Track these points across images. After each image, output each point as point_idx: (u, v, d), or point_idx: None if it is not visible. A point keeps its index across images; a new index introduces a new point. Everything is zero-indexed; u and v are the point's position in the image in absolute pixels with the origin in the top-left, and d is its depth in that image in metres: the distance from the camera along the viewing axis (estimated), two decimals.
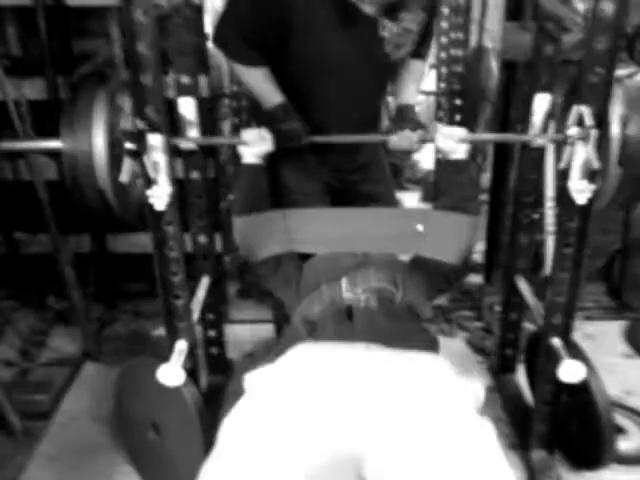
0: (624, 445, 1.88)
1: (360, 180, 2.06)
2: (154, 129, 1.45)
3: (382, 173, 2.14)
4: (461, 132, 1.73)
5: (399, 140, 1.81)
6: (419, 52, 1.92)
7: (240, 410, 1.27)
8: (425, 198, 3.06)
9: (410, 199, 3.18)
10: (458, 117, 2.42)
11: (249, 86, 1.85)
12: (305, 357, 1.34)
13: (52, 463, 1.92)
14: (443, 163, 1.81)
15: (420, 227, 1.79)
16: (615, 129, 1.54)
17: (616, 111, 1.54)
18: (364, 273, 1.62)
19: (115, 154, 1.55)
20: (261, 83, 1.80)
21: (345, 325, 1.45)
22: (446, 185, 1.81)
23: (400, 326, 1.48)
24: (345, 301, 1.53)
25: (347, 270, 1.64)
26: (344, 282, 1.59)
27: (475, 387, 1.30)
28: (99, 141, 1.57)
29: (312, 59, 1.76)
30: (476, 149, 2.74)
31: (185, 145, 1.81)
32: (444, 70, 2.40)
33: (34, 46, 2.41)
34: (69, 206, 1.79)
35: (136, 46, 1.35)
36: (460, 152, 1.74)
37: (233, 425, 1.24)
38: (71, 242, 2.52)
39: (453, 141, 1.72)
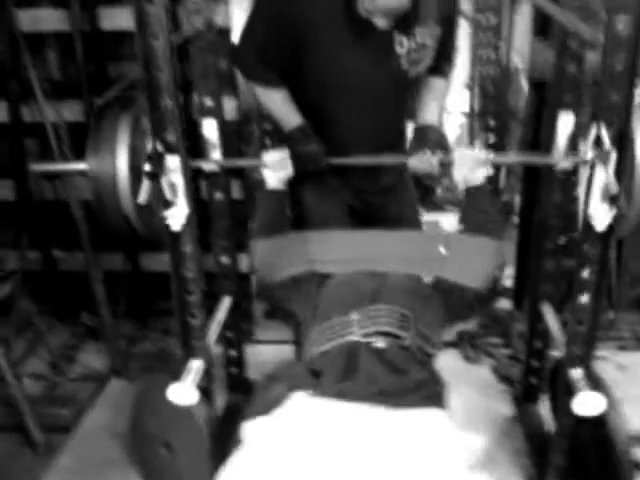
0: None
1: (385, 203, 2.04)
2: (172, 151, 1.48)
3: (408, 196, 2.12)
4: (479, 155, 1.71)
5: (418, 162, 1.79)
6: (439, 68, 1.90)
7: (236, 464, 1.27)
8: None
9: (447, 220, 3.16)
10: (492, 139, 2.39)
11: (268, 108, 1.87)
12: (304, 414, 1.33)
13: (70, 476, 1.96)
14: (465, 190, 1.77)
15: (443, 250, 1.76)
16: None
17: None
18: (376, 310, 1.59)
19: (138, 177, 1.58)
20: (279, 105, 1.82)
21: (346, 382, 1.41)
22: (468, 210, 1.78)
23: (403, 381, 1.44)
24: (353, 342, 1.51)
25: (360, 301, 1.61)
26: (354, 318, 1.57)
27: (469, 441, 1.29)
28: (122, 164, 1.62)
29: (328, 77, 1.76)
30: (509, 171, 2.70)
31: (207, 167, 1.84)
32: (475, 89, 2.39)
33: (72, 70, 2.50)
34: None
35: (152, 70, 1.39)
36: (477, 179, 1.72)
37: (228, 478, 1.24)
38: (104, 260, 2.58)
39: (469, 168, 1.69)
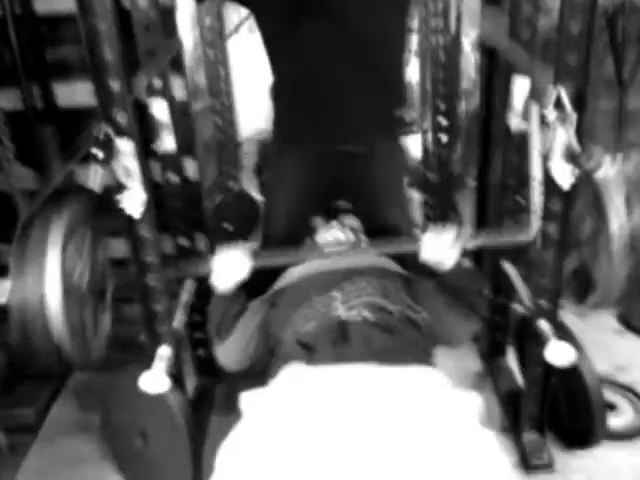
0: (615, 421, 1.88)
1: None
2: (123, 134, 1.41)
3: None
4: (447, 237, 1.59)
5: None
6: None
7: (237, 438, 1.24)
8: None
9: None
10: (443, 121, 2.37)
11: None
12: (301, 381, 1.31)
13: (40, 477, 1.90)
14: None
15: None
16: (614, 221, 1.46)
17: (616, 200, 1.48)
18: (356, 284, 1.58)
19: (71, 299, 1.40)
20: None
21: (340, 348, 1.40)
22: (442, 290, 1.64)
23: (395, 340, 1.45)
24: (339, 316, 1.49)
25: (337, 281, 1.60)
26: (335, 295, 1.55)
27: (472, 398, 1.30)
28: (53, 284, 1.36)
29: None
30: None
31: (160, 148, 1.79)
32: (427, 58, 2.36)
33: (7, 56, 2.34)
34: None
35: (98, 52, 1.31)
36: (450, 259, 1.58)
37: (231, 454, 1.21)
38: None
39: (437, 253, 1.58)
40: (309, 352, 1.41)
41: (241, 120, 2.20)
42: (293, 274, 1.76)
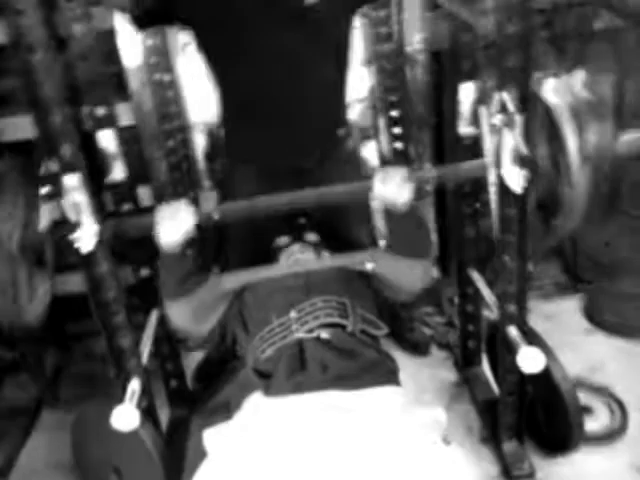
0: (592, 425, 1.89)
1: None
2: (70, 169, 1.37)
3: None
4: (401, 173, 1.55)
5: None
6: None
7: (203, 476, 1.23)
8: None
9: None
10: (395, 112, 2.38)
11: None
12: (263, 416, 1.31)
13: None
14: (388, 211, 1.62)
15: (369, 265, 1.72)
16: (570, 144, 1.40)
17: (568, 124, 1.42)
18: (312, 305, 1.57)
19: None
20: None
21: (297, 376, 1.41)
22: (395, 235, 1.65)
23: (353, 362, 1.45)
24: (297, 340, 1.49)
25: (296, 299, 1.59)
26: (294, 316, 1.55)
27: (435, 414, 1.29)
28: None
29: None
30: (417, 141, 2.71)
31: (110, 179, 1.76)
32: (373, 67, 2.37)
33: None
34: None
35: (35, 85, 1.27)
36: (403, 197, 1.54)
37: None
38: None
39: (393, 186, 1.53)
40: (267, 382, 1.41)
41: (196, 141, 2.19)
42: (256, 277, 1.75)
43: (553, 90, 1.43)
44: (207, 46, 1.89)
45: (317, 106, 1.92)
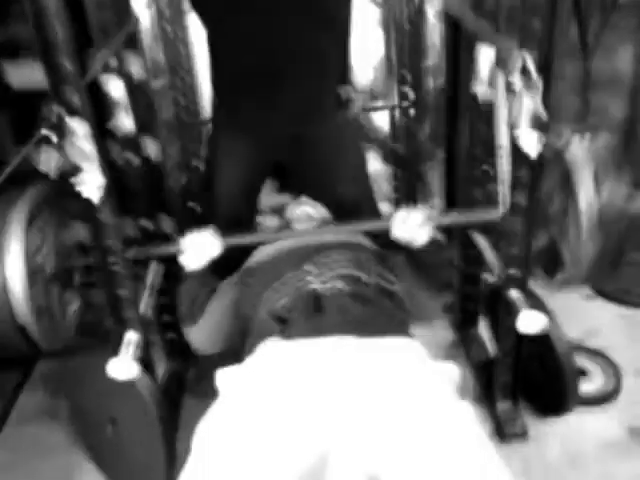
0: (587, 387, 1.90)
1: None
2: (76, 114, 1.33)
3: None
4: (419, 216, 1.57)
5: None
6: None
7: (215, 416, 1.22)
8: None
9: None
10: (410, 95, 2.33)
11: None
12: (277, 357, 1.29)
13: (9, 469, 1.85)
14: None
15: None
16: (582, 199, 1.46)
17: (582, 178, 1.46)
18: (329, 257, 1.56)
19: (35, 279, 1.41)
20: None
21: (316, 319, 1.38)
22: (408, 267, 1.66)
23: (371, 310, 1.44)
24: (312, 289, 1.47)
25: (309, 256, 1.57)
26: (308, 268, 1.53)
27: (448, 369, 1.29)
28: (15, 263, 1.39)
29: None
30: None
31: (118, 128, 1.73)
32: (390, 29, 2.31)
33: None
34: None
35: (45, 29, 1.23)
36: (422, 237, 1.56)
37: (209, 432, 1.19)
38: None
39: (410, 229, 1.56)
40: (284, 325, 1.39)
41: (205, 97, 2.14)
42: (263, 252, 1.73)
43: (575, 148, 1.49)
44: (201, 10, 1.84)
45: (314, 70, 1.87)
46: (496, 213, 1.78)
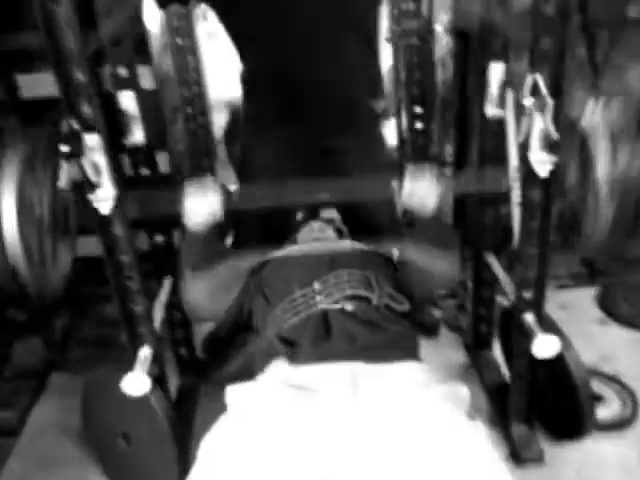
0: (603, 412, 1.88)
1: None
2: (90, 128, 1.35)
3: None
4: (429, 177, 1.62)
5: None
6: None
7: (220, 431, 1.22)
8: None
9: None
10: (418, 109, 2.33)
11: None
12: (287, 378, 1.30)
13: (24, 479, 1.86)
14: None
15: (395, 252, 1.73)
16: (601, 166, 1.46)
17: (599, 144, 1.47)
18: (337, 276, 1.55)
19: (27, 222, 1.42)
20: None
21: (324, 345, 1.39)
22: (421, 231, 1.71)
23: (379, 335, 1.43)
24: (321, 311, 1.47)
25: (319, 272, 1.57)
26: (317, 287, 1.53)
27: (458, 390, 1.28)
28: (8, 205, 1.40)
29: None
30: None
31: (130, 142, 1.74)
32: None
33: None
34: None
35: (56, 40, 1.24)
36: (429, 206, 1.62)
37: (213, 446, 1.19)
38: None
39: (419, 198, 1.60)
40: (291, 349, 1.39)
41: (214, 108, 2.15)
42: (276, 253, 1.74)
43: (590, 114, 1.49)
44: (230, 18, 1.86)
45: (345, 83, 1.88)
46: (506, 183, 1.77)
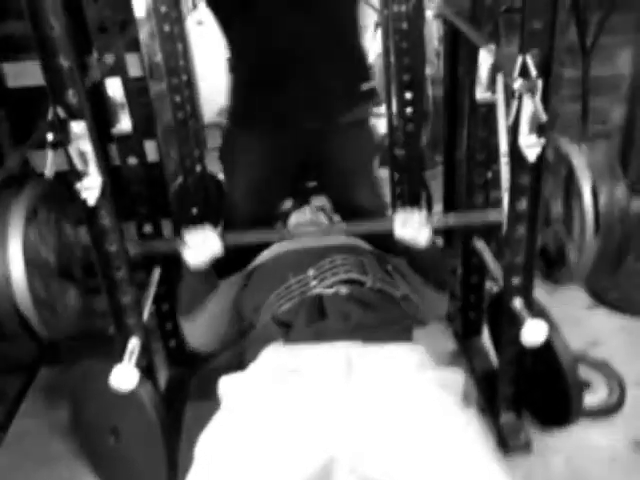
0: (591, 399, 1.88)
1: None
2: (76, 116, 1.33)
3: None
4: (420, 218, 1.61)
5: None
6: None
7: (218, 425, 1.21)
8: None
9: None
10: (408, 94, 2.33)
11: None
12: (280, 363, 1.29)
13: (9, 477, 1.84)
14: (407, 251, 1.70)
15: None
16: (587, 200, 1.49)
17: (586, 181, 1.49)
18: (331, 262, 1.56)
19: (35, 271, 1.44)
20: None
21: (319, 324, 1.39)
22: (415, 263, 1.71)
23: (374, 316, 1.44)
24: (316, 294, 1.47)
25: (313, 260, 1.58)
26: (312, 273, 1.53)
27: (453, 375, 1.28)
28: (16, 256, 1.40)
29: None
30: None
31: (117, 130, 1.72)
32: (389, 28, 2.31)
33: None
34: None
35: (41, 28, 1.22)
36: (422, 240, 1.61)
37: (212, 442, 1.18)
38: None
39: (412, 229, 1.60)
40: (286, 330, 1.39)
41: (203, 99, 2.13)
42: (266, 255, 1.74)
43: (577, 152, 1.53)
44: (218, 7, 1.84)
45: (335, 64, 1.88)
46: (497, 215, 1.78)
